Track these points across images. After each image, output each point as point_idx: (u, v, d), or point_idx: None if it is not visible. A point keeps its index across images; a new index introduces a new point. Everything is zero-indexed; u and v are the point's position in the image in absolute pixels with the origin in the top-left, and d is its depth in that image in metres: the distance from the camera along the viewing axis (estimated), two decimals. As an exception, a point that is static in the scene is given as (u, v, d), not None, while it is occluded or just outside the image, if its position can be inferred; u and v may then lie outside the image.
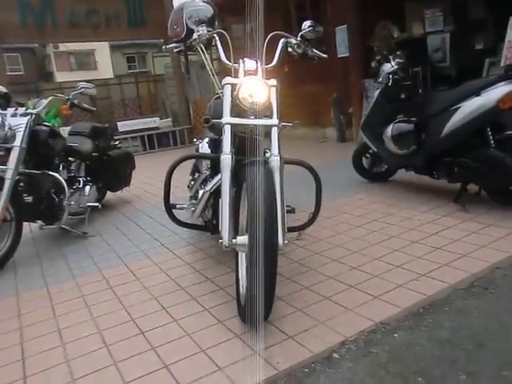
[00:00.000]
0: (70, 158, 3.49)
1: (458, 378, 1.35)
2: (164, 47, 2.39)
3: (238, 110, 2.02)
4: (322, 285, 2.06)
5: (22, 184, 2.98)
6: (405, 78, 3.24)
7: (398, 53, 3.37)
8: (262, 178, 1.71)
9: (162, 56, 9.29)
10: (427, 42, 5.74)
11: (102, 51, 22.78)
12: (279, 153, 1.98)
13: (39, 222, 3.08)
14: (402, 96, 3.32)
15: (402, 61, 3.26)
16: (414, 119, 3.10)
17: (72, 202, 3.02)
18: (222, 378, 1.48)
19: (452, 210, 2.83)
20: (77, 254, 2.89)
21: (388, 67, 3.30)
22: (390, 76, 3.27)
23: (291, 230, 2.50)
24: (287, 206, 2.55)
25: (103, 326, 1.92)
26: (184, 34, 2.23)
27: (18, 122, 2.78)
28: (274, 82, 2.11)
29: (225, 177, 1.89)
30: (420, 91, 3.64)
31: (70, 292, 2.31)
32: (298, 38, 2.39)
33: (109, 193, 4.18)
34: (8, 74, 21.11)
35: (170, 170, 2.17)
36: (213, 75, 2.08)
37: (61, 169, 3.18)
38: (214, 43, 2.28)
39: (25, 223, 3.08)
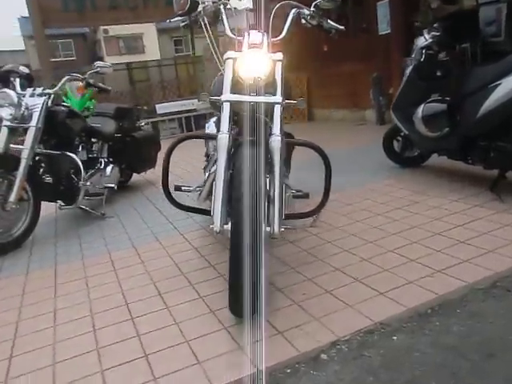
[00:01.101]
0: (92, 139, 3.50)
1: (455, 392, 1.18)
2: (168, 21, 2.28)
3: (239, 87, 1.88)
4: (326, 277, 1.91)
5: (42, 164, 3.03)
6: (439, 52, 2.94)
7: (434, 25, 3.07)
8: (252, 158, 1.56)
9: (201, 37, 9.22)
10: (479, 15, 5.26)
11: (149, 35, 23.09)
12: (281, 133, 1.83)
13: (59, 202, 3.11)
14: (438, 73, 3.03)
15: (437, 33, 2.96)
16: (447, 98, 2.81)
17: (88, 183, 3.01)
18: (198, 373, 1.39)
19: (486, 199, 2.55)
20: (91, 234, 2.90)
21: (421, 41, 3.01)
22: (423, 51, 2.98)
23: (298, 216, 2.35)
24: (298, 191, 2.41)
25: (96, 310, 1.89)
26: (188, 6, 2.10)
27: (35, 102, 2.79)
28: (279, 55, 1.95)
29: (220, 158, 1.76)
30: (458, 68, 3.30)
31: (76, 273, 2.31)
32: (312, 8, 2.18)
33: (135, 174, 4.20)
34: (62, 59, 22.18)
35: (169, 151, 2.07)
36: (215, 53, 1.94)
37: (80, 149, 3.19)
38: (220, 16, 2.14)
39: (50, 204, 3.14)
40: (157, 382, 1.37)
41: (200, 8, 2.10)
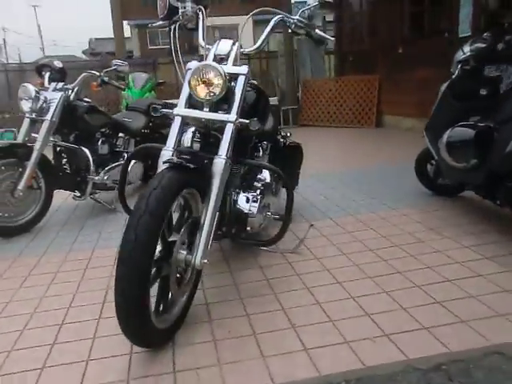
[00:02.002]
0: (120, 134, 3.60)
1: None
2: (150, 25, 2.21)
3: (195, 101, 1.77)
4: (267, 315, 1.74)
5: (63, 155, 3.18)
6: (479, 68, 2.51)
7: (485, 34, 2.62)
8: (162, 182, 1.44)
9: (277, 32, 9.05)
10: None
11: (245, 27, 23.32)
12: (227, 155, 1.68)
13: (76, 192, 3.23)
14: (480, 93, 2.60)
15: (482, 45, 2.53)
16: (478, 124, 2.40)
17: (97, 177, 3.09)
18: None
19: (504, 251, 2.14)
20: (93, 228, 2.98)
21: (459, 54, 2.60)
22: (459, 66, 2.57)
23: (261, 244, 2.19)
24: (275, 214, 2.24)
25: (40, 308, 1.92)
26: (166, 10, 2.02)
27: (53, 96, 2.92)
28: (243, 69, 1.80)
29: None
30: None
31: (51, 266, 2.37)
32: (297, 17, 1.97)
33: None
34: (160, 46, 23.37)
35: (127, 161, 2.03)
36: (177, 62, 1.83)
37: (100, 143, 3.28)
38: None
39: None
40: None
41: (180, 13, 2.01)
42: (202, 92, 1.70)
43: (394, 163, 4.26)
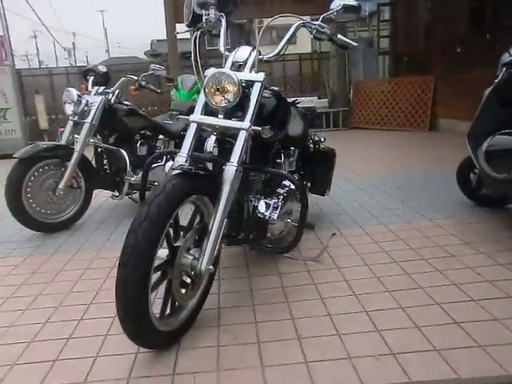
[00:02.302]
0: (160, 136, 3.71)
1: None
2: (176, 32, 2.26)
3: (211, 108, 1.79)
4: (270, 324, 1.72)
5: (104, 156, 3.34)
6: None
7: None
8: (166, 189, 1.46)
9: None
10: None
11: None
12: (238, 162, 1.68)
13: (115, 192, 3.38)
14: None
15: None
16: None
17: (132, 178, 3.20)
18: None
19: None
20: (127, 227, 3.08)
21: (506, 57, 2.43)
22: (504, 69, 2.40)
23: (276, 251, 2.17)
24: (296, 221, 2.22)
25: (90, 301, 2.02)
26: (190, 18, 2.06)
27: (94, 99, 3.07)
28: (259, 76, 1.79)
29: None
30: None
31: (77, 263, 2.48)
32: (318, 22, 1.93)
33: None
34: (216, 47, 23.89)
35: (148, 164, 2.09)
36: (197, 68, 1.85)
37: (138, 145, 3.41)
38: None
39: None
40: None
41: (204, 20, 2.04)
42: (216, 99, 1.72)
43: (442, 170, 4.05)
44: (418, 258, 2.24)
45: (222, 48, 1.97)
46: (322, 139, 2.98)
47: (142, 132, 3.46)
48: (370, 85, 8.21)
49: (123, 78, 3.18)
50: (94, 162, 3.25)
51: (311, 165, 2.71)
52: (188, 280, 1.64)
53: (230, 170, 1.67)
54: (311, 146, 2.75)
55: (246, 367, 1.48)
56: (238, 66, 1.85)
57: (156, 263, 1.52)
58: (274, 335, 1.66)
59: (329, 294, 1.94)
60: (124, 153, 3.16)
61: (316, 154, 2.75)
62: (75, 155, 2.96)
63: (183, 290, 1.62)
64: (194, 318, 1.73)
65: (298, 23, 1.94)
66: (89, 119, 3.01)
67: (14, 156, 2.75)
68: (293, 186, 2.37)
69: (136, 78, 3.21)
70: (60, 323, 1.84)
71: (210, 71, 1.78)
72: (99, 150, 3.31)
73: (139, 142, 3.42)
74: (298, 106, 2.83)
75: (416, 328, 1.63)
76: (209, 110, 1.80)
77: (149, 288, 1.40)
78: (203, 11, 2.03)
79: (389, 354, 1.49)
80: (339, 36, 1.97)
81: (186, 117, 1.83)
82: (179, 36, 2.17)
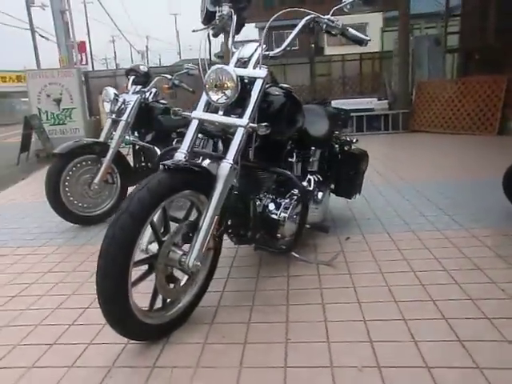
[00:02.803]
0: (199, 135, 3.78)
1: None
2: (192, 30, 2.27)
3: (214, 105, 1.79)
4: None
5: (141, 153, 3.47)
6: None
7: None
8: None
9: (393, 30, 8.52)
10: None
11: (374, 25, 22.54)
12: (234, 159, 1.67)
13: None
14: None
15: None
16: None
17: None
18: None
19: None
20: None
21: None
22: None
23: (277, 252, 2.11)
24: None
25: (80, 291, 2.12)
26: (204, 16, 2.07)
27: (131, 98, 3.20)
28: (261, 72, 1.76)
29: None
30: None
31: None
32: (328, 16, 1.86)
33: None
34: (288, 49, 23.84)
35: (156, 164, 2.11)
36: (203, 65, 1.85)
37: (174, 143, 3.49)
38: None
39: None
40: (27, 373, 1.51)
41: (217, 17, 2.04)
42: (215, 95, 1.72)
43: (499, 177, 3.73)
44: (440, 268, 2.07)
45: (230, 44, 1.96)
46: (354, 140, 2.87)
47: (179, 131, 3.55)
48: (435, 85, 7.78)
49: (157, 77, 3.28)
50: (132, 159, 3.39)
51: (336, 166, 2.62)
52: (177, 275, 1.66)
53: (225, 166, 1.66)
54: (337, 146, 2.65)
55: (224, 366, 1.46)
56: (243, 63, 1.84)
57: (143, 256, 1.56)
58: (263, 337, 1.62)
59: (332, 300, 1.86)
60: (157, 150, 3.26)
61: (343, 155, 2.65)
62: (110, 151, 3.10)
63: (171, 285, 1.63)
64: (188, 315, 1.74)
65: (306, 18, 1.89)
66: (124, 117, 3.14)
67: (54, 152, 2.95)
68: (310, 187, 2.33)
69: (170, 77, 3.30)
70: (68, 310, 1.93)
71: (212, 68, 1.79)
72: (137, 147, 3.44)
73: (175, 141, 3.51)
74: (328, 105, 2.75)
75: (413, 342, 1.51)
76: (212, 107, 1.81)
77: (127, 280, 1.43)
78: (216, 8, 2.03)
79: (374, 367, 1.39)
80: (350, 30, 1.88)
81: (188, 113, 1.84)
82: (196, 33, 2.18)
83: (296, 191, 2.18)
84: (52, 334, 1.74)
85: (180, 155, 1.76)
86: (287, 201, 2.08)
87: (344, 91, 8.65)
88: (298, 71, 8.64)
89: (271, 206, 2.05)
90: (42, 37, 18.92)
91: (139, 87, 3.27)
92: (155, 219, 1.56)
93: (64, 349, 1.63)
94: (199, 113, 1.81)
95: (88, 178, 3.08)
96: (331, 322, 1.68)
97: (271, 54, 1.87)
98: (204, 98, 1.81)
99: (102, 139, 3.21)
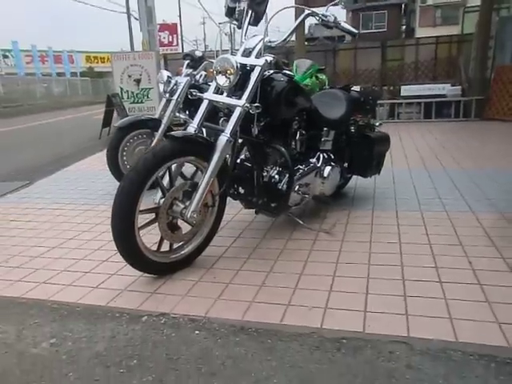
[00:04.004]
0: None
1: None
2: (218, 23, 2.59)
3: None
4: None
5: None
6: None
7: None
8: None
9: (476, 10, 7.96)
10: None
11: (473, 2, 20.99)
12: (231, 134, 2.01)
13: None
14: None
15: None
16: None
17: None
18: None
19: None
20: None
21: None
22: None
23: (269, 214, 2.40)
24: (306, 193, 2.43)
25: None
26: (226, 11, 2.39)
27: (182, 80, 3.63)
28: (259, 61, 2.07)
29: None
30: None
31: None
32: (322, 12, 2.09)
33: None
34: (371, 30, 23.05)
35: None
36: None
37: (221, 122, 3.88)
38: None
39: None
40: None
41: (236, 11, 2.36)
42: (220, 80, 2.06)
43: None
44: (425, 242, 2.24)
45: (242, 37, 2.26)
46: (377, 124, 3.04)
47: (227, 111, 3.92)
48: (517, 69, 7.30)
49: (205, 62, 3.67)
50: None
51: (350, 146, 2.83)
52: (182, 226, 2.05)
53: (222, 139, 2.00)
54: (352, 129, 2.85)
55: (205, 297, 1.83)
56: (249, 53, 2.14)
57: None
58: (245, 280, 1.96)
59: (314, 259, 2.14)
60: (203, 130, 3.67)
61: (357, 137, 2.85)
62: (162, 127, 3.56)
63: (173, 232, 2.03)
64: (191, 260, 2.13)
65: (305, 13, 2.13)
66: (175, 97, 3.58)
67: (115, 125, 3.48)
68: (319, 163, 2.59)
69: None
70: (104, 251, 2.40)
71: (218, 57, 2.12)
72: (186, 124, 3.88)
73: (222, 120, 3.90)
74: (349, 90, 2.94)
75: (363, 312, 1.67)
76: (221, 91, 2.15)
77: (134, 223, 1.83)
78: (236, 4, 2.35)
79: (321, 308, 1.67)
80: (342, 24, 2.10)
81: (201, 94, 2.20)
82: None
83: (302, 166, 2.47)
84: (89, 265, 2.23)
85: (191, 129, 2.14)
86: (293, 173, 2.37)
87: (416, 76, 8.42)
88: (369, 55, 8.58)
89: (277, 177, 2.35)
90: (136, 19, 20.48)
91: (190, 70, 3.69)
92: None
93: (94, 277, 2.10)
94: (209, 94, 2.16)
95: (142, 149, 3.59)
96: (305, 275, 1.97)
97: (272, 45, 2.15)
98: (214, 82, 2.15)
99: (156, 116, 3.69)
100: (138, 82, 7.44)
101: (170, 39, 23.29)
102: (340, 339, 1.49)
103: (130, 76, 7.43)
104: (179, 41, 24.27)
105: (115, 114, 7.36)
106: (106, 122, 7.48)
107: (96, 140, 7.30)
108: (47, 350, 1.52)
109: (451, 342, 1.44)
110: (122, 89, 7.43)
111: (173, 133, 1.97)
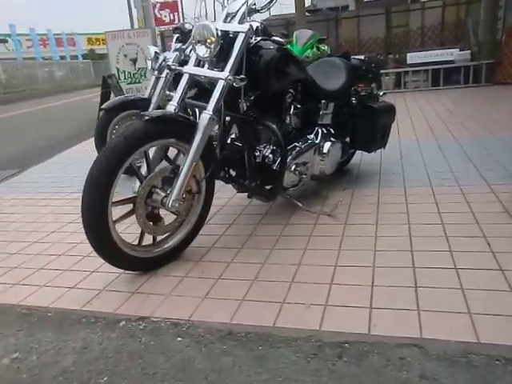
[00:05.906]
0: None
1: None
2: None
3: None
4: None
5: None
6: None
7: None
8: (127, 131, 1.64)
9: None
10: None
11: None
12: (213, 111, 1.77)
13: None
14: None
15: None
16: None
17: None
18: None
19: None
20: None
21: None
22: None
23: (262, 199, 2.18)
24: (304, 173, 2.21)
25: None
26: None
27: (171, 56, 3.36)
28: (242, 27, 1.81)
29: None
30: None
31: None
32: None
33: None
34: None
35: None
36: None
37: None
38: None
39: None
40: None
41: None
42: (200, 50, 1.81)
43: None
44: (437, 222, 2.02)
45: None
46: (381, 93, 2.78)
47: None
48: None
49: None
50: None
51: (352, 119, 2.57)
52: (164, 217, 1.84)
53: (204, 117, 1.77)
54: (353, 100, 2.59)
55: (191, 296, 1.63)
56: (232, 18, 1.88)
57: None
58: (236, 274, 1.76)
59: (314, 246, 1.93)
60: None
61: (359, 108, 2.59)
62: (152, 106, 3.32)
63: (152, 224, 1.81)
64: (177, 253, 1.92)
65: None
66: (163, 74, 3.33)
67: (102, 107, 3.25)
68: (316, 140, 2.35)
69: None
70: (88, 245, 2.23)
71: (197, 24, 1.86)
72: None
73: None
74: (349, 58, 2.67)
75: (368, 309, 1.48)
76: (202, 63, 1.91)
77: (107, 215, 1.62)
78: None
79: (321, 305, 1.47)
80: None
81: (180, 68, 1.96)
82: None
83: (299, 143, 2.24)
84: (68, 262, 2.03)
85: (171, 107, 1.90)
86: (288, 151, 2.14)
87: (423, 43, 7.99)
88: (373, 23, 8.13)
89: (270, 156, 2.11)
90: (135, -4, 19.97)
91: (179, 45, 3.42)
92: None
93: (72, 275, 1.91)
94: (189, 67, 1.91)
95: (131, 132, 3.37)
96: (303, 265, 1.77)
97: (257, 7, 1.89)
98: (194, 53, 1.91)
99: (146, 95, 3.44)
100: (134, 61, 7.15)
101: (172, 17, 22.71)
102: (342, 343, 1.29)
103: (125, 55, 7.14)
104: (181, 19, 23.67)
105: (112, 96, 7.11)
106: (103, 103, 7.21)
107: (94, 122, 7.04)
108: (7, 367, 1.33)
109: (472, 343, 1.23)
110: (118, 69, 7.14)
111: (148, 112, 1.74)
